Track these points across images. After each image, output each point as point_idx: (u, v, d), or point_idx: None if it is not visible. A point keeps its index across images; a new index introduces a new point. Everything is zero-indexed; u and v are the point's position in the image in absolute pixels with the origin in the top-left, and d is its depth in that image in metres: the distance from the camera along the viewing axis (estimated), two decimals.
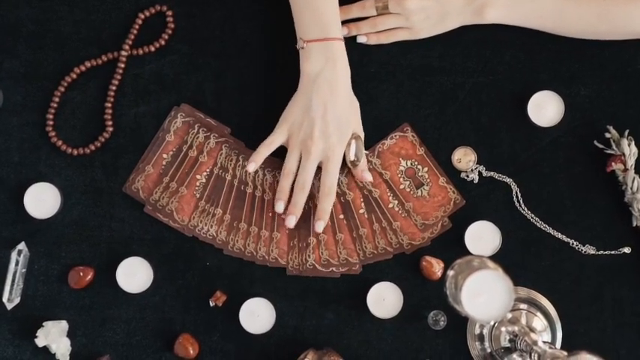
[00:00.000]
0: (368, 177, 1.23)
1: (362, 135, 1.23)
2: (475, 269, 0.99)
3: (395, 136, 1.27)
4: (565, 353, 1.03)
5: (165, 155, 1.26)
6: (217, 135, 1.26)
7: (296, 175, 1.22)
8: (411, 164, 1.26)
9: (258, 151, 1.22)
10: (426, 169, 1.26)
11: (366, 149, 1.26)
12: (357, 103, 1.23)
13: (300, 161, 1.21)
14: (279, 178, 1.23)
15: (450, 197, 1.26)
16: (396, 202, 1.26)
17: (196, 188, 1.26)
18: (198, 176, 1.26)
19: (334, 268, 1.25)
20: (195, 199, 1.26)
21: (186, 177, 1.25)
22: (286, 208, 1.22)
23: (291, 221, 1.22)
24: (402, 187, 1.26)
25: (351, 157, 1.22)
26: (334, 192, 1.21)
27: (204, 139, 1.26)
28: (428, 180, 1.26)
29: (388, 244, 1.25)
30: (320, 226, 1.21)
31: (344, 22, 1.27)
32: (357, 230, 1.25)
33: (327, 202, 1.21)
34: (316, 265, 1.25)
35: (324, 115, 1.19)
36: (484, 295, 0.99)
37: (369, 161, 1.26)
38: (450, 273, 1.03)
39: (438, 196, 1.26)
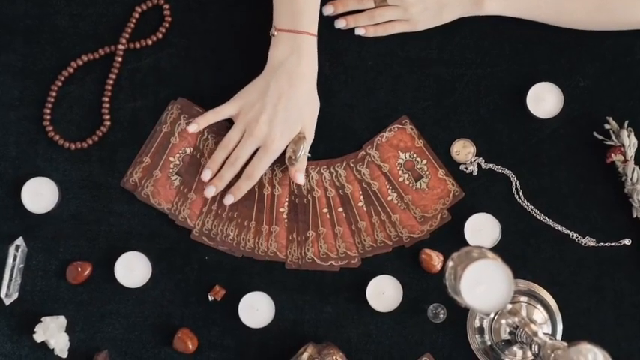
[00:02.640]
0: (299, 180, 1.22)
1: (310, 137, 1.22)
2: (474, 259, 0.99)
3: (393, 128, 1.26)
4: (565, 344, 1.03)
5: (172, 159, 1.25)
6: (214, 132, 1.26)
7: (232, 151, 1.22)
8: (410, 157, 1.26)
9: (205, 115, 1.23)
10: (424, 161, 1.26)
11: (365, 142, 1.25)
12: (317, 105, 1.22)
13: (241, 139, 1.21)
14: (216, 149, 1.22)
15: (449, 190, 1.25)
16: (395, 194, 1.25)
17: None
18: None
19: (333, 262, 1.24)
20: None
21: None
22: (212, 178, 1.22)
23: (211, 191, 1.22)
24: (400, 179, 1.26)
25: (289, 153, 1.21)
26: (256, 178, 1.21)
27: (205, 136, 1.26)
28: (427, 172, 1.26)
29: (387, 237, 1.25)
30: (228, 199, 1.22)
31: (342, 15, 1.27)
32: (355, 223, 1.25)
33: (244, 184, 1.21)
34: (315, 259, 1.24)
35: (277, 104, 1.19)
36: (484, 284, 0.98)
37: (367, 154, 1.25)
38: (450, 264, 1.02)
39: (437, 188, 1.25)
